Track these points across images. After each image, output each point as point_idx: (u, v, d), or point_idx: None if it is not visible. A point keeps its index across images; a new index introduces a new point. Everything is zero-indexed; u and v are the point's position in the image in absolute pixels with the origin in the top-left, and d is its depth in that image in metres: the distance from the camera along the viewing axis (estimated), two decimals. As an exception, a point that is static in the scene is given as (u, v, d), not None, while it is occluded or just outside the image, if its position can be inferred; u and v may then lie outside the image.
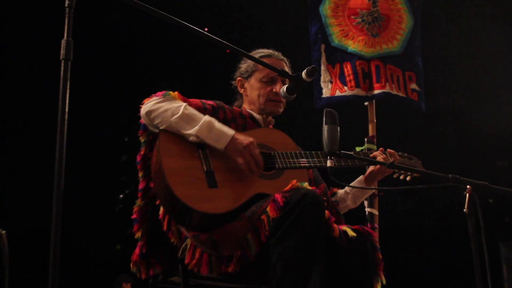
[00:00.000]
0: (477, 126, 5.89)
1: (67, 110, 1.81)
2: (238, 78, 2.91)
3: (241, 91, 2.90)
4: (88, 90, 5.55)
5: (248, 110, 2.83)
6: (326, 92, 4.24)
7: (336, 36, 4.26)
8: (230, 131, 2.47)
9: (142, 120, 2.52)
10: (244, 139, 2.46)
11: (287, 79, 2.77)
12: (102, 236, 6.03)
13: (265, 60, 2.73)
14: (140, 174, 2.53)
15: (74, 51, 1.85)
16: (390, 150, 2.89)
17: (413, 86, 4.30)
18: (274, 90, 2.78)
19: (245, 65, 2.89)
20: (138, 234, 2.55)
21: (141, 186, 2.53)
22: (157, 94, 2.54)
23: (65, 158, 1.81)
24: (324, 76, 4.25)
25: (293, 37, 5.56)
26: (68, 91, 1.81)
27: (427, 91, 4.42)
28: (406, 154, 2.98)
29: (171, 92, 2.54)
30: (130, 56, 5.76)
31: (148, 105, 2.49)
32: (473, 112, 5.96)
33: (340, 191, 2.93)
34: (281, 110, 2.85)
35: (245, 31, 5.33)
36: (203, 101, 2.66)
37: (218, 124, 2.48)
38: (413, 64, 4.33)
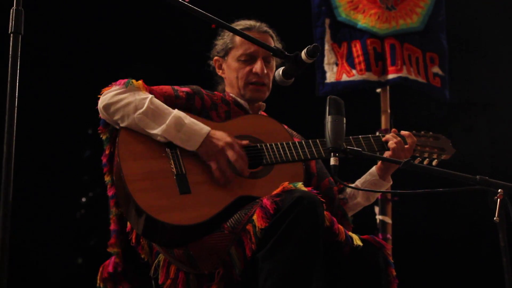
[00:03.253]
0: (511, 119, 5.91)
1: (16, 94, 1.80)
2: (215, 58, 2.90)
3: (219, 72, 2.90)
4: (43, 71, 5.52)
5: (231, 94, 2.83)
6: (330, 77, 4.24)
7: (343, 8, 4.26)
8: (203, 129, 2.46)
9: (101, 115, 2.52)
10: (220, 138, 2.45)
11: (272, 56, 2.77)
12: (60, 248, 6.01)
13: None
14: (107, 179, 2.53)
15: (25, 23, 1.84)
16: (405, 132, 2.85)
17: (436, 69, 4.31)
18: (254, 70, 2.77)
19: (221, 41, 2.88)
20: (114, 249, 2.54)
21: (111, 192, 2.53)
22: (118, 82, 2.53)
23: (14, 153, 1.80)
24: (329, 57, 4.26)
25: (290, 9, 5.54)
26: (18, 71, 1.80)
27: (452, 76, 4.42)
28: (431, 133, 2.97)
29: (134, 81, 2.52)
30: (96, 30, 5.74)
31: (107, 96, 2.48)
32: (507, 103, 5.98)
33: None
34: (264, 95, 2.83)
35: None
36: (175, 87, 2.66)
37: (189, 121, 2.46)
38: (436, 44, 4.34)
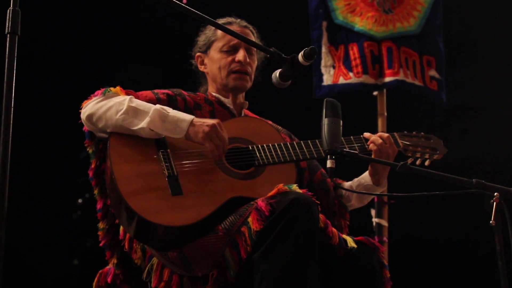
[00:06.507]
0: (507, 123, 5.92)
1: (13, 95, 1.80)
2: (197, 54, 2.91)
3: (202, 68, 2.90)
4: (40, 72, 5.52)
5: (214, 94, 2.83)
6: (327, 79, 4.24)
7: (340, 11, 4.26)
8: (187, 116, 2.46)
9: (86, 128, 2.53)
10: (206, 120, 2.45)
11: (252, 48, 2.78)
12: (56, 249, 6.00)
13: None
14: (95, 191, 2.55)
15: (22, 23, 1.84)
16: (384, 135, 2.77)
17: (432, 73, 4.32)
18: (236, 59, 2.77)
19: (203, 36, 2.90)
20: (113, 261, 2.55)
21: (99, 205, 2.54)
22: (96, 93, 2.55)
23: (10, 154, 1.79)
24: (326, 60, 4.26)
25: (288, 12, 5.54)
26: (14, 71, 1.80)
27: (448, 80, 4.42)
28: (422, 133, 2.95)
29: (111, 88, 2.54)
30: (93, 31, 5.73)
31: (87, 108, 2.50)
32: (503, 106, 5.98)
33: (344, 185, 2.87)
34: (247, 84, 2.82)
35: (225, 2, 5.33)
36: (155, 91, 2.67)
37: (172, 111, 2.48)
38: (433, 47, 4.34)
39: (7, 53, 1.82)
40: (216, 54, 2.82)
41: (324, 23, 4.25)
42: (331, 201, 2.71)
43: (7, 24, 1.84)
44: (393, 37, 4.24)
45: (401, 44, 4.24)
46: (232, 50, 2.79)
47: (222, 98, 2.80)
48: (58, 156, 5.77)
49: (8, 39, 1.84)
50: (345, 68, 4.21)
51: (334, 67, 4.23)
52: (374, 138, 2.74)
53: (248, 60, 2.79)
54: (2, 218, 1.74)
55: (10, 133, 1.79)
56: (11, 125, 1.79)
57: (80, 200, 6.17)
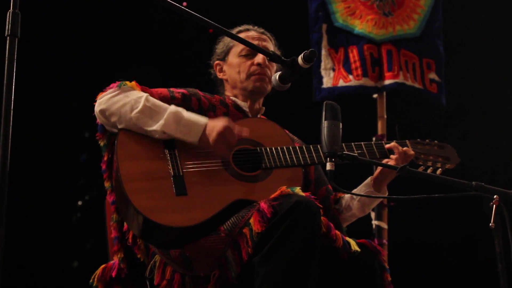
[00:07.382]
0: (507, 125, 5.91)
1: (13, 97, 1.79)
2: (216, 62, 2.91)
3: (221, 76, 2.90)
4: (40, 74, 5.52)
5: (231, 97, 2.82)
6: (327, 82, 4.24)
7: (340, 14, 4.27)
8: (202, 120, 2.45)
9: (99, 120, 2.51)
10: (217, 124, 2.44)
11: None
12: (56, 251, 5.99)
13: (242, 35, 2.75)
14: (107, 184, 2.53)
15: (22, 25, 1.84)
16: (405, 148, 2.78)
17: (432, 75, 4.32)
18: (255, 62, 2.78)
19: (221, 44, 2.91)
20: (119, 255, 2.54)
21: (112, 198, 2.52)
22: (112, 86, 2.53)
23: (10, 156, 1.79)
24: (325, 63, 4.26)
25: (288, 14, 5.55)
26: (14, 74, 1.80)
27: (448, 82, 4.42)
28: (436, 141, 2.94)
29: (127, 82, 2.52)
30: (92, 33, 5.73)
31: (102, 101, 2.47)
32: (503, 108, 5.98)
33: (346, 197, 2.86)
34: (267, 86, 2.81)
35: (227, 5, 5.33)
36: (171, 89, 2.65)
37: (187, 114, 2.46)
38: (433, 50, 4.35)
39: (7, 56, 1.82)
40: (235, 59, 2.83)
41: (324, 26, 4.25)
42: (329, 219, 2.70)
43: (7, 26, 1.84)
44: (393, 40, 4.24)
45: (401, 47, 4.25)
46: (251, 54, 2.80)
47: (239, 102, 2.80)
48: (58, 158, 5.77)
49: (8, 41, 1.84)
50: (345, 71, 4.21)
51: (334, 69, 4.24)
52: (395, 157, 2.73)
53: (266, 62, 2.79)
54: (2, 221, 1.73)
55: (10, 136, 1.79)
56: (11, 127, 1.79)
57: (80, 202, 6.17)
